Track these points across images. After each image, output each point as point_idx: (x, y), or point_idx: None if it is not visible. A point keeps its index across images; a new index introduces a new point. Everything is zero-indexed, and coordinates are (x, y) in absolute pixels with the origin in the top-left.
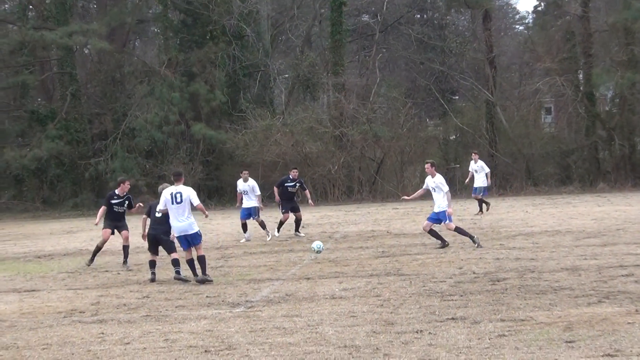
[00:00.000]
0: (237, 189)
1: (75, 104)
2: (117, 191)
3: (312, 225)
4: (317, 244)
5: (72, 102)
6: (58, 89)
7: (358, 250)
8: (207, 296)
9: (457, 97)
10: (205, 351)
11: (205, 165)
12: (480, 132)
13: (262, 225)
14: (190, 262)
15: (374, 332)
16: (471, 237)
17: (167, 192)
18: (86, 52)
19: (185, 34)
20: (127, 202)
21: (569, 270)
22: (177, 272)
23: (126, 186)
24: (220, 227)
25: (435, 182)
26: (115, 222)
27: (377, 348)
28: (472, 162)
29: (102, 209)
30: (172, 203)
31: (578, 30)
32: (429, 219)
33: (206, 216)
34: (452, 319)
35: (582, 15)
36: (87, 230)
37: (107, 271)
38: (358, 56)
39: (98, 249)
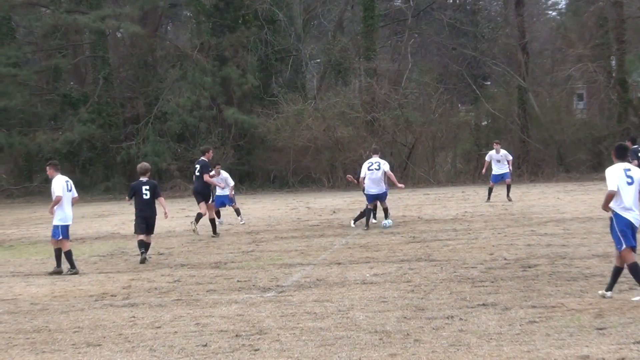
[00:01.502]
0: None
1: (107, 88)
2: (206, 159)
3: (343, 210)
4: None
5: (104, 86)
6: (90, 73)
7: (389, 235)
8: (238, 280)
9: (489, 83)
10: (236, 335)
11: (237, 150)
12: (512, 118)
13: (238, 211)
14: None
15: (405, 317)
16: (367, 223)
17: (62, 180)
18: (119, 36)
19: (218, 18)
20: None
21: (600, 257)
22: (142, 252)
23: (210, 154)
24: (251, 211)
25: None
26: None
27: (407, 333)
28: (492, 152)
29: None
30: (67, 191)
31: (611, 16)
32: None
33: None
34: (483, 305)
35: (615, 1)
36: (119, 214)
37: (138, 255)
38: (390, 41)
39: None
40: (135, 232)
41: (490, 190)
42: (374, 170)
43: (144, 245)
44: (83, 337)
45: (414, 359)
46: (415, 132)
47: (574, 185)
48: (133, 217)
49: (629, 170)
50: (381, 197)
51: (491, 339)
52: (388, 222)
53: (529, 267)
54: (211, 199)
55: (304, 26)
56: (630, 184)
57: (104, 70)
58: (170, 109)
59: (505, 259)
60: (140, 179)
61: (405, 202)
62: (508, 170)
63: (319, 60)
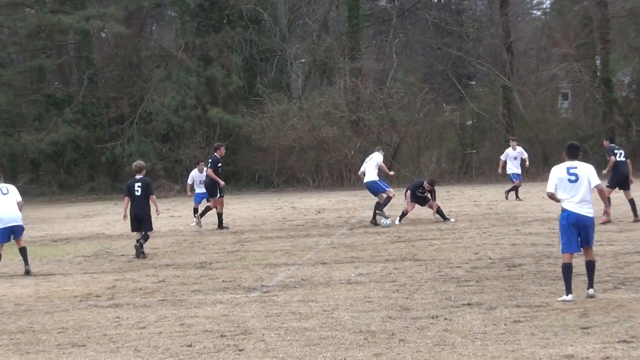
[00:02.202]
0: (190, 179)
1: (92, 88)
2: (218, 155)
3: (328, 210)
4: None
5: (89, 86)
6: (75, 73)
7: (374, 235)
8: (223, 281)
9: (474, 83)
10: (221, 336)
11: None
12: (497, 118)
13: (197, 210)
14: None
15: (390, 317)
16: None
17: None
18: (103, 36)
19: (202, 18)
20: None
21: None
22: (141, 245)
23: (222, 150)
24: (236, 211)
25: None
26: None
27: (392, 333)
28: (509, 149)
29: (218, 180)
30: (2, 194)
31: (595, 15)
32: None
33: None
34: (468, 304)
35: (600, 0)
36: (104, 214)
37: (123, 255)
38: (375, 41)
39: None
40: (132, 230)
41: (516, 190)
42: (367, 161)
43: (142, 241)
44: (67, 337)
45: (398, 359)
46: (400, 131)
47: None
48: (118, 217)
49: (574, 168)
50: (371, 188)
51: (476, 338)
52: (386, 221)
53: (514, 267)
54: (219, 195)
55: (289, 26)
56: (573, 181)
57: (89, 70)
58: (155, 109)
59: (490, 259)
60: (135, 176)
61: (390, 202)
62: (519, 171)
63: (303, 60)
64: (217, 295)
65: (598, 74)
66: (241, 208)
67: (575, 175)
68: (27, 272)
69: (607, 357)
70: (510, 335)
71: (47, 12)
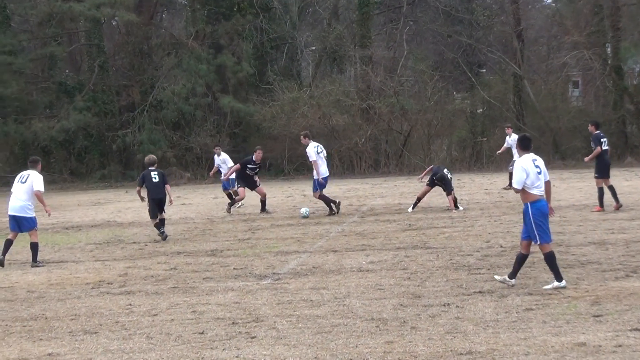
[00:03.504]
0: (215, 162)
1: (102, 76)
2: (253, 158)
3: (338, 198)
4: (305, 210)
5: (99, 74)
6: (86, 61)
7: (385, 223)
8: (234, 268)
9: (484, 70)
10: (233, 323)
11: (232, 138)
12: (507, 106)
13: (231, 196)
14: (7, 243)
15: (401, 305)
16: (331, 205)
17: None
18: (114, 24)
19: (213, 6)
20: (258, 168)
21: (597, 244)
22: (162, 232)
23: (259, 155)
24: (247, 199)
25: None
26: (250, 182)
27: (404, 321)
28: (507, 137)
29: (236, 167)
30: (18, 182)
31: (606, 3)
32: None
33: (45, 209)
34: (480, 292)
35: None
36: (115, 202)
37: (134, 243)
38: (385, 29)
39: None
40: (150, 218)
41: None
42: (321, 153)
43: (161, 226)
44: (80, 324)
45: (410, 346)
46: (411, 119)
47: (570, 172)
48: (129, 205)
49: (536, 160)
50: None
51: (488, 326)
52: (305, 210)
53: None
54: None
55: (299, 14)
56: (539, 173)
57: (100, 58)
58: (166, 96)
59: (501, 247)
60: (149, 168)
61: (401, 190)
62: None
63: (314, 48)
64: (228, 282)
65: (609, 62)
66: (252, 196)
67: (539, 167)
68: (36, 265)
69: (620, 345)
70: (522, 323)
71: (58, 0)
